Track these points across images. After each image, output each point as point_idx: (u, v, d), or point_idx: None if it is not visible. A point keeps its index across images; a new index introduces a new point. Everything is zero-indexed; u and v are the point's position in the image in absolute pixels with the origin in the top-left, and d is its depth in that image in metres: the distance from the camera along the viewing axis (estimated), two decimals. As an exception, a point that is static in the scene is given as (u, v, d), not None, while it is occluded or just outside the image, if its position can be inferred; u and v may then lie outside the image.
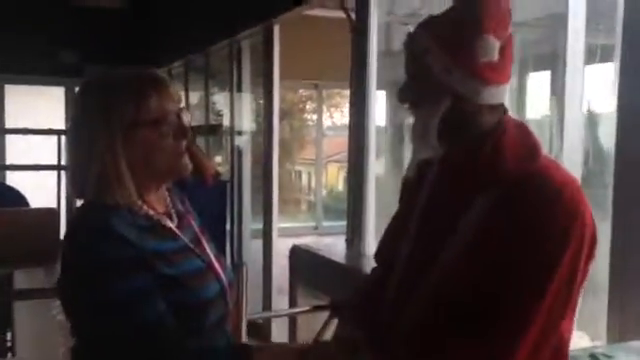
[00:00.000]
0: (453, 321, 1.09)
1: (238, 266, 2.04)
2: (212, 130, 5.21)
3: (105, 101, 1.12)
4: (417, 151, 1.21)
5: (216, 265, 1.23)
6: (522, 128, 1.18)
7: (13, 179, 5.82)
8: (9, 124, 7.17)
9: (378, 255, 1.42)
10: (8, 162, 6.89)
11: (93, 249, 1.06)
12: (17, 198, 4.62)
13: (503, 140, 1.14)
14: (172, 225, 1.19)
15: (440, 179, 1.21)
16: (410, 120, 1.21)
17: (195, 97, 6.24)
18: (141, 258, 1.07)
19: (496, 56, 1.12)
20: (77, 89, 1.19)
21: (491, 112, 1.16)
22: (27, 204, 4.35)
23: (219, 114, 6.15)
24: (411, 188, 1.30)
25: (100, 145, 1.10)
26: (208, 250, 1.25)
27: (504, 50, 1.13)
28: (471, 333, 1.06)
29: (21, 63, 6.46)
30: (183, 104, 1.21)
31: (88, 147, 1.12)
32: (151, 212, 1.16)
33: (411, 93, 1.18)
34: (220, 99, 6.11)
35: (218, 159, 5.95)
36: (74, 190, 1.16)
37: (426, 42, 1.14)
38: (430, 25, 1.16)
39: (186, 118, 1.18)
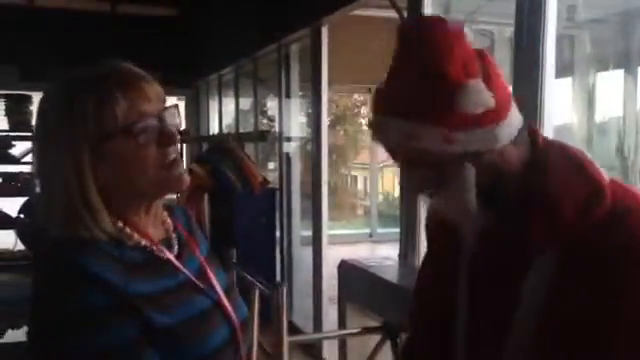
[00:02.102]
0: None
1: (275, 288, 1.88)
2: (261, 136, 5.11)
3: (64, 111, 0.92)
4: (454, 218, 1.01)
5: (225, 302, 1.02)
6: (571, 157, 0.94)
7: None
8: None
9: (413, 317, 1.22)
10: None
11: (61, 298, 0.87)
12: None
13: (549, 183, 0.90)
14: (171, 256, 1.00)
15: (483, 250, 1.00)
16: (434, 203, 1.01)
17: (246, 103, 6.16)
18: (124, 303, 0.87)
19: (491, 100, 0.88)
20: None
21: (518, 146, 0.93)
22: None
23: (271, 119, 6.05)
24: (442, 244, 1.10)
25: (63, 167, 0.90)
26: (215, 283, 1.04)
27: (489, 79, 0.89)
28: None
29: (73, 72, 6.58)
30: (169, 103, 0.98)
31: (50, 170, 0.93)
32: (144, 242, 0.96)
33: (424, 183, 0.96)
34: (271, 105, 6.02)
35: (270, 166, 5.86)
36: (43, 222, 0.95)
37: (401, 129, 0.90)
38: (390, 107, 0.92)
39: (173, 120, 0.96)
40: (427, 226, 1.18)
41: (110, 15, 6.82)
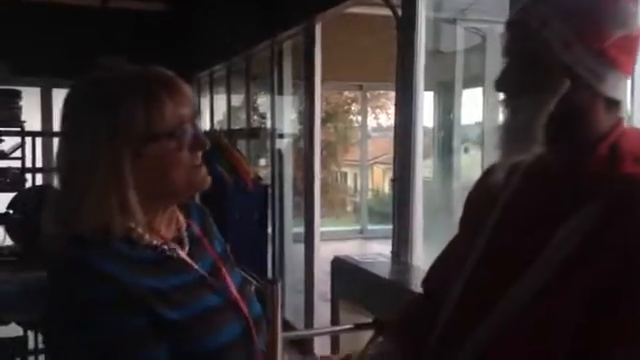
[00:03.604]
0: None
1: (270, 284, 1.87)
2: (253, 133, 5.10)
3: (108, 108, 0.92)
4: (510, 151, 0.96)
5: (239, 299, 1.03)
6: None
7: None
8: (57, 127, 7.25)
9: (427, 282, 1.20)
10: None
11: (69, 292, 0.89)
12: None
13: (622, 143, 0.90)
14: (182, 253, 1.00)
15: (528, 189, 0.97)
16: (502, 114, 0.97)
17: (237, 100, 6.15)
18: (132, 297, 0.88)
19: (635, 29, 0.89)
20: (67, 92, 0.99)
21: (608, 111, 0.93)
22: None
23: (263, 117, 6.05)
24: (481, 205, 1.06)
25: (101, 165, 0.91)
26: (229, 281, 1.04)
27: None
28: None
29: (65, 67, 6.54)
30: (196, 108, 1.02)
31: (85, 167, 0.92)
32: (155, 242, 0.97)
33: (516, 78, 0.94)
34: (262, 102, 6.01)
35: (262, 162, 5.86)
36: (60, 221, 0.94)
37: (544, 12, 0.90)
38: None
39: (199, 125, 1.00)
40: (469, 196, 1.15)
41: (101, 10, 6.77)
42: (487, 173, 1.10)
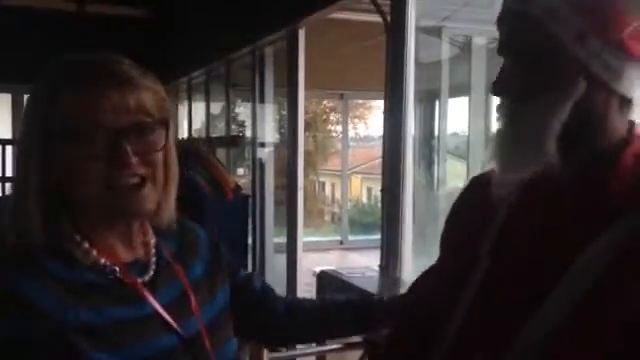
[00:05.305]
0: None
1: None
2: (233, 142, 4.98)
3: (29, 99, 0.84)
4: (512, 165, 0.83)
5: (205, 340, 0.85)
6: None
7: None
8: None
9: (406, 314, 1.06)
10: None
11: None
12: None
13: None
14: (139, 281, 0.84)
15: (535, 207, 0.85)
16: (499, 122, 0.84)
17: (216, 108, 6.02)
18: (59, 336, 0.72)
19: None
20: None
21: (621, 113, 0.81)
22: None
23: (242, 125, 5.93)
24: (473, 222, 0.93)
25: (18, 160, 0.83)
26: (198, 314, 0.87)
27: None
28: None
29: (39, 73, 6.33)
30: (151, 119, 0.84)
31: (19, 167, 0.84)
32: (103, 260, 0.81)
33: (517, 80, 0.81)
34: (242, 109, 5.89)
35: (240, 171, 5.73)
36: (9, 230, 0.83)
37: (549, 1, 0.77)
38: None
39: (145, 140, 0.82)
40: (453, 212, 1.01)
41: (76, 15, 6.61)
42: (474, 186, 0.98)
